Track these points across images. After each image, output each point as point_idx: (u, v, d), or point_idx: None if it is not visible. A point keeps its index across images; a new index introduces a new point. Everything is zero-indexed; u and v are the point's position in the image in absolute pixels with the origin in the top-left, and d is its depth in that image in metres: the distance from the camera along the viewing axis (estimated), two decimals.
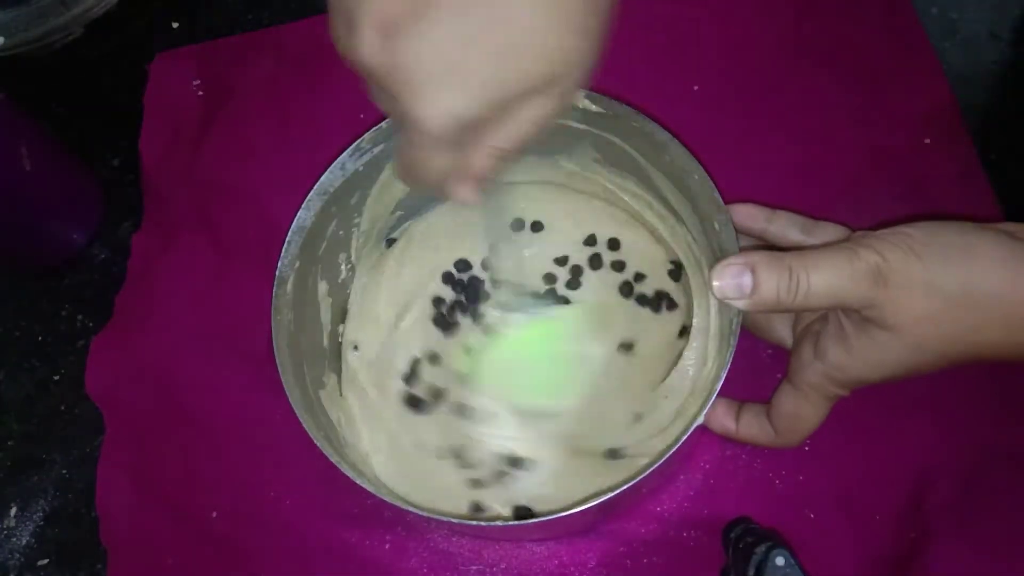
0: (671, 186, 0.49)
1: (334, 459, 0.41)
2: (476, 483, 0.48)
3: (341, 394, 0.51)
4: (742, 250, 0.41)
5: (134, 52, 0.65)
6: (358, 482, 0.40)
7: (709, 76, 0.59)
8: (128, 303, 0.57)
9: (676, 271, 0.51)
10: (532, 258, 0.53)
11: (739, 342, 0.41)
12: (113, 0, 0.65)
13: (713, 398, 0.40)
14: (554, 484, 0.47)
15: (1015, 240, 0.36)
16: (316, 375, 0.49)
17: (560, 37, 0.31)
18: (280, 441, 0.50)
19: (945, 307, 0.35)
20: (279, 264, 0.45)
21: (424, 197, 0.53)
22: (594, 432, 0.48)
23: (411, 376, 0.51)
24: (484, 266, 0.53)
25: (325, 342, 0.51)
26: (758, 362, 0.50)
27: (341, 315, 0.53)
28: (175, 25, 0.67)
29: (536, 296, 0.52)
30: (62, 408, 0.56)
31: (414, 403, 0.50)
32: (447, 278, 0.53)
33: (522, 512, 0.46)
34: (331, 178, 0.47)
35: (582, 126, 0.49)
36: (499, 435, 0.48)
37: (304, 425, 0.41)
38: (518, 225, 0.54)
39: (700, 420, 0.40)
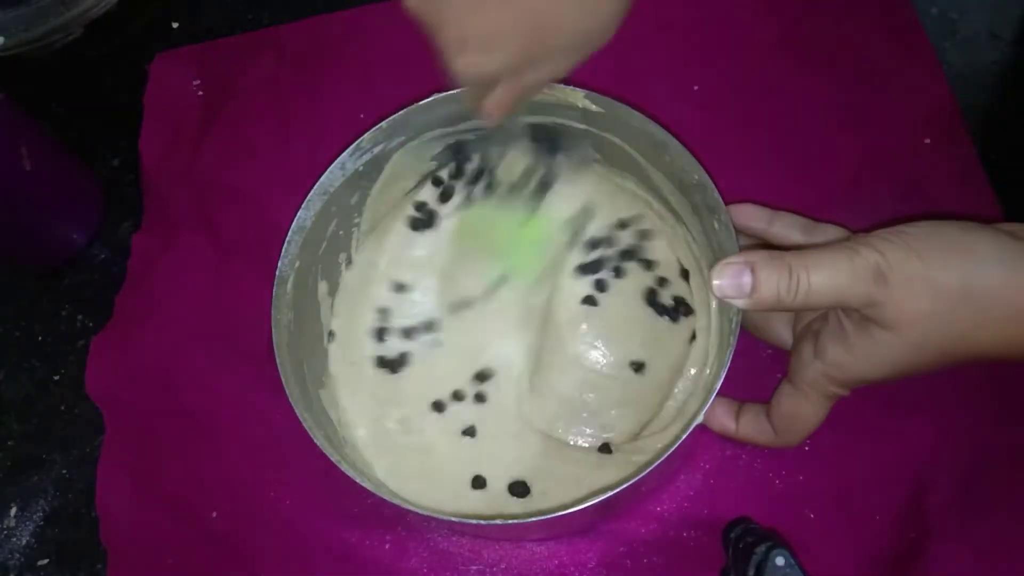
0: (671, 186, 0.49)
1: (334, 459, 0.41)
2: (466, 432, 0.48)
3: (323, 386, 0.50)
4: (742, 249, 0.41)
5: (134, 52, 0.65)
6: (358, 482, 0.40)
7: (709, 76, 0.59)
8: (128, 303, 0.57)
9: (684, 272, 0.51)
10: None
11: (739, 342, 0.41)
12: (113, 0, 0.65)
13: (713, 398, 0.40)
14: (543, 459, 0.47)
15: (1015, 239, 0.36)
16: (316, 375, 0.49)
17: (580, 17, 0.37)
18: (280, 441, 0.50)
19: (945, 306, 0.35)
20: (279, 264, 0.45)
21: None
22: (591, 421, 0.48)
23: (380, 331, 0.51)
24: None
25: (325, 342, 0.51)
26: (758, 362, 0.50)
27: None
28: (175, 25, 0.68)
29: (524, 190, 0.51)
30: (62, 408, 0.56)
31: (387, 364, 0.50)
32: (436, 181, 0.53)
33: (519, 489, 0.46)
34: (331, 178, 0.47)
35: (582, 126, 0.49)
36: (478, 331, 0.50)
37: (304, 425, 0.41)
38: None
39: (700, 420, 0.40)
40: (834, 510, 0.47)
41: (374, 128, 0.47)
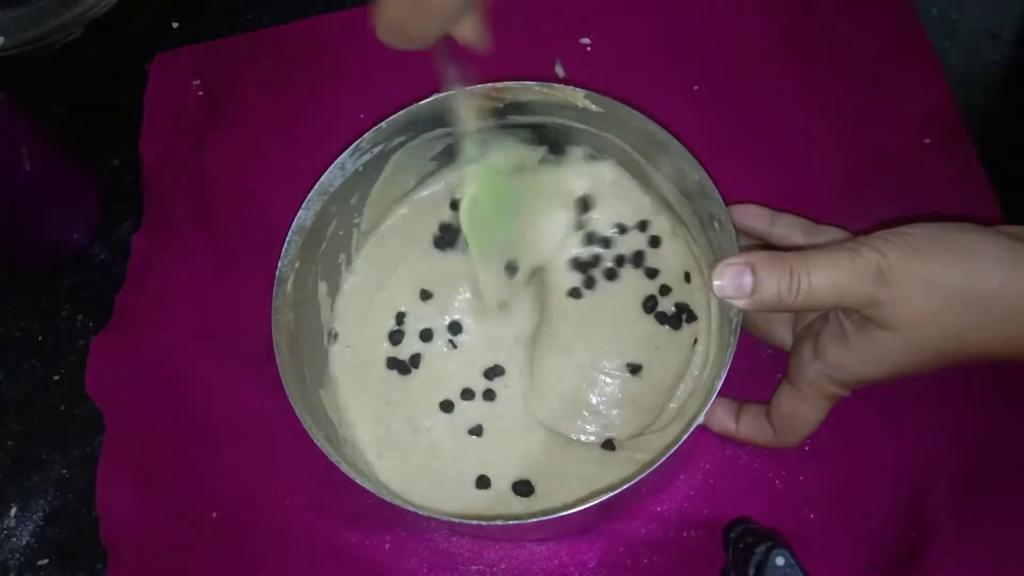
0: (671, 186, 0.49)
1: (334, 459, 0.41)
2: (473, 431, 0.48)
3: (324, 386, 0.50)
4: (742, 249, 0.41)
5: (134, 52, 0.65)
6: (358, 482, 0.40)
7: (709, 76, 0.59)
8: (128, 303, 0.57)
9: (686, 275, 0.50)
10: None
11: (739, 342, 0.41)
12: (113, 0, 0.65)
13: (713, 398, 0.40)
14: (547, 457, 0.47)
15: (1016, 241, 0.36)
16: (316, 375, 0.49)
17: None
18: (280, 441, 0.50)
19: (945, 306, 0.35)
20: (279, 264, 0.45)
21: None
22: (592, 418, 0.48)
23: (396, 334, 0.51)
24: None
25: (325, 342, 0.51)
26: (758, 362, 0.50)
27: None
28: (175, 25, 0.67)
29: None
30: (62, 408, 0.56)
31: (398, 366, 0.50)
32: (454, 205, 0.53)
33: (523, 488, 0.46)
34: (331, 178, 0.47)
35: (582, 126, 0.49)
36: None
37: (304, 425, 0.41)
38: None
39: (700, 420, 0.40)
40: (834, 510, 0.47)
41: (374, 128, 0.47)
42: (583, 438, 0.48)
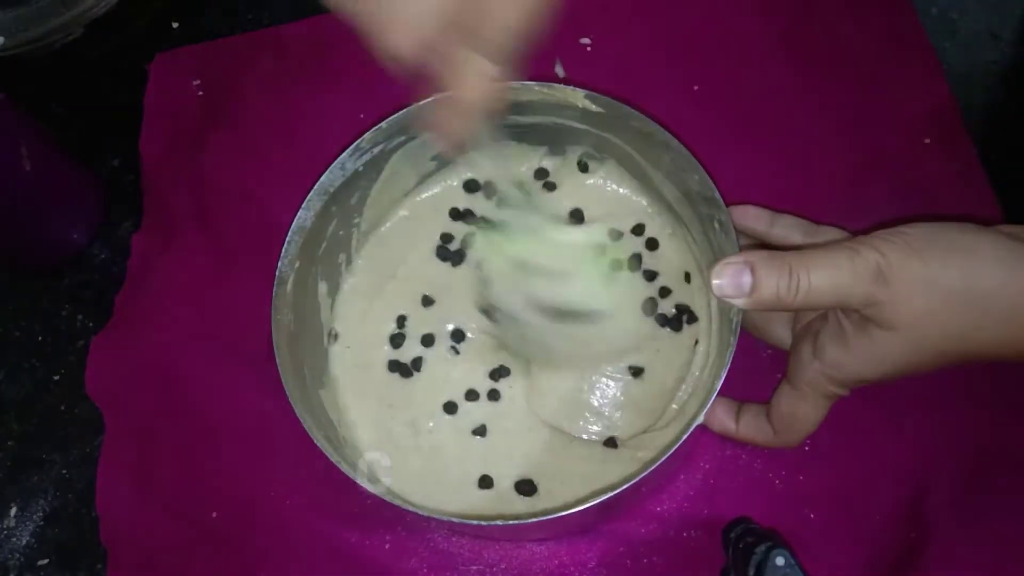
0: (671, 186, 0.49)
1: (334, 459, 0.41)
2: (476, 432, 0.48)
3: (324, 387, 0.50)
4: (742, 249, 0.41)
5: (134, 52, 0.65)
6: (358, 482, 0.40)
7: (709, 76, 0.59)
8: (128, 303, 0.57)
9: (686, 275, 0.50)
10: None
11: (739, 342, 0.41)
12: (113, 0, 0.65)
13: (713, 398, 0.40)
14: (550, 455, 0.47)
15: (1016, 241, 0.36)
16: (316, 375, 0.49)
17: None
18: (280, 441, 0.50)
19: (945, 305, 0.35)
20: (279, 264, 0.45)
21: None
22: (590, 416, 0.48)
23: (397, 337, 0.51)
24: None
25: (325, 342, 0.51)
26: (758, 362, 0.50)
27: None
28: (175, 25, 0.67)
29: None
30: (62, 408, 0.56)
31: (400, 368, 0.50)
32: (455, 214, 0.53)
33: (525, 487, 0.46)
34: (331, 178, 0.47)
35: (582, 126, 0.49)
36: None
37: (304, 425, 0.42)
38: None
39: (700, 420, 0.40)
40: (834, 510, 0.47)
41: (374, 128, 0.47)
42: (585, 436, 0.48)
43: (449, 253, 0.52)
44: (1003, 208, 0.53)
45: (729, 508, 0.47)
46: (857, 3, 0.59)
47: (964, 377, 0.47)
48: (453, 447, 0.48)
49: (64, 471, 0.54)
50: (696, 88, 0.59)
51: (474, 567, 0.49)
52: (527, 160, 0.53)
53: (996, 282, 0.35)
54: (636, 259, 0.50)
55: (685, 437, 0.40)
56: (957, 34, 0.59)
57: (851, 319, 0.38)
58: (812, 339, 0.40)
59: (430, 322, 0.51)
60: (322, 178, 0.47)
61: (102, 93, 0.66)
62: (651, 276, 0.50)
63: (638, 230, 0.51)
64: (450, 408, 0.49)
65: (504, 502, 0.47)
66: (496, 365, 0.50)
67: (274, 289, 0.45)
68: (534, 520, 0.40)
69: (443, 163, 0.53)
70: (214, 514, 0.51)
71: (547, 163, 0.53)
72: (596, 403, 0.48)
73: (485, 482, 0.47)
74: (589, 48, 0.61)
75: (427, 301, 0.52)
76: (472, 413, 0.49)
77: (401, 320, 0.51)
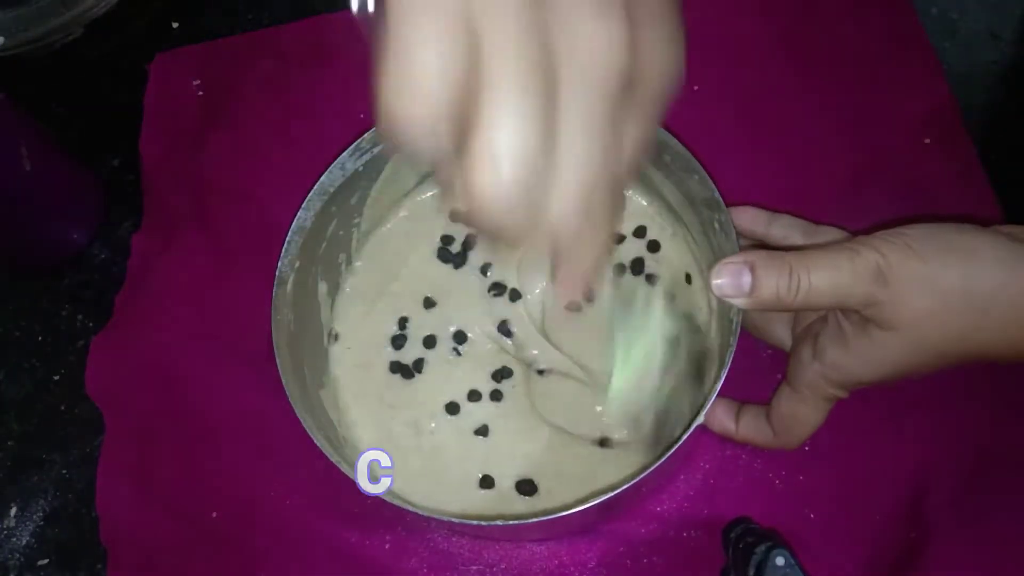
0: (671, 187, 0.49)
1: (334, 459, 0.41)
2: (479, 432, 0.48)
3: (324, 387, 0.50)
4: (742, 249, 0.41)
5: (134, 52, 0.65)
6: (358, 482, 0.40)
7: (709, 76, 0.59)
8: (128, 303, 0.57)
9: (687, 276, 0.50)
10: None
11: (739, 342, 0.41)
12: (113, 0, 0.65)
13: (713, 398, 0.40)
14: (551, 455, 0.47)
15: (1015, 241, 0.36)
16: (316, 376, 0.49)
17: None
18: (280, 441, 0.50)
19: (945, 306, 0.35)
20: (279, 264, 0.45)
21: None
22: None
23: (399, 338, 0.51)
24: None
25: (325, 342, 0.51)
26: (758, 362, 0.50)
27: None
28: (175, 25, 0.67)
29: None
30: (62, 408, 0.56)
31: (401, 370, 0.50)
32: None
33: (526, 487, 0.46)
34: (331, 178, 0.47)
35: None
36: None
37: (304, 425, 0.41)
38: None
39: (700, 420, 0.40)
40: (834, 510, 0.47)
41: (374, 128, 0.47)
42: (586, 437, 0.48)
43: (451, 255, 0.52)
44: (1003, 208, 0.53)
45: (729, 508, 0.47)
46: (857, 3, 0.59)
47: (964, 377, 0.46)
48: (455, 447, 0.48)
49: (64, 471, 0.54)
50: (696, 88, 0.59)
51: (474, 567, 0.49)
52: None
53: (996, 282, 0.35)
54: (638, 264, 0.50)
55: (685, 437, 0.39)
56: (957, 34, 0.59)
57: (851, 320, 0.38)
58: (812, 341, 0.40)
59: (432, 324, 0.51)
60: (322, 178, 0.47)
61: (102, 93, 0.66)
62: (652, 280, 0.50)
63: (640, 232, 0.51)
64: (452, 408, 0.49)
65: (504, 502, 0.47)
66: (499, 366, 0.50)
67: (274, 289, 0.45)
68: (534, 520, 0.40)
69: None
70: (214, 514, 0.51)
71: None
72: (598, 407, 0.48)
73: (486, 482, 0.47)
74: None
75: (429, 303, 0.52)
76: (474, 413, 0.49)
77: (403, 322, 0.51)
